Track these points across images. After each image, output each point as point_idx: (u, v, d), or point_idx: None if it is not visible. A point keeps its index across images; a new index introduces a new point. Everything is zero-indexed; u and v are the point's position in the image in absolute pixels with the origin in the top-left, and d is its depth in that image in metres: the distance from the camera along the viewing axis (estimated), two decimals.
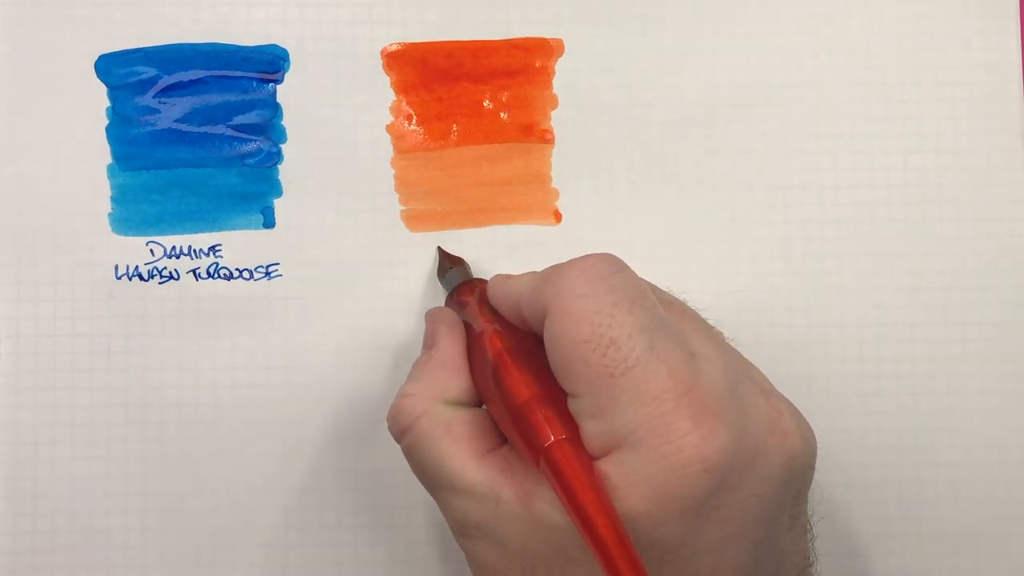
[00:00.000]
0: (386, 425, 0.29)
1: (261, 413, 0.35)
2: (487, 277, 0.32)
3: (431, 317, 0.32)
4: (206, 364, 0.35)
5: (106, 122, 0.36)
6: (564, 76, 0.36)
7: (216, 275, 0.35)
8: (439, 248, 0.35)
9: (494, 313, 0.30)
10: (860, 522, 0.36)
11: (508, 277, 0.30)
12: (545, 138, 0.36)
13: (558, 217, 0.36)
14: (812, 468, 0.28)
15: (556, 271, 0.27)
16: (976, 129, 0.37)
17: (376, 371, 0.35)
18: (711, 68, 0.37)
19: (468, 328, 0.31)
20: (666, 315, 0.27)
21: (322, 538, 0.35)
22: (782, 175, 0.36)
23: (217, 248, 0.36)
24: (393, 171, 0.36)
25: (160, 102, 0.36)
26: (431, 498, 0.29)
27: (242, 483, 0.35)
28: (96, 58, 0.36)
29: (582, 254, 0.27)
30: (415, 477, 0.29)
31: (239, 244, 0.36)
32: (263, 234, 0.36)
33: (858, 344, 0.36)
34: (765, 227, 0.36)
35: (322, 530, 0.35)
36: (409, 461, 0.29)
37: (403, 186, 0.36)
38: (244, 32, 0.36)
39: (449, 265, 0.35)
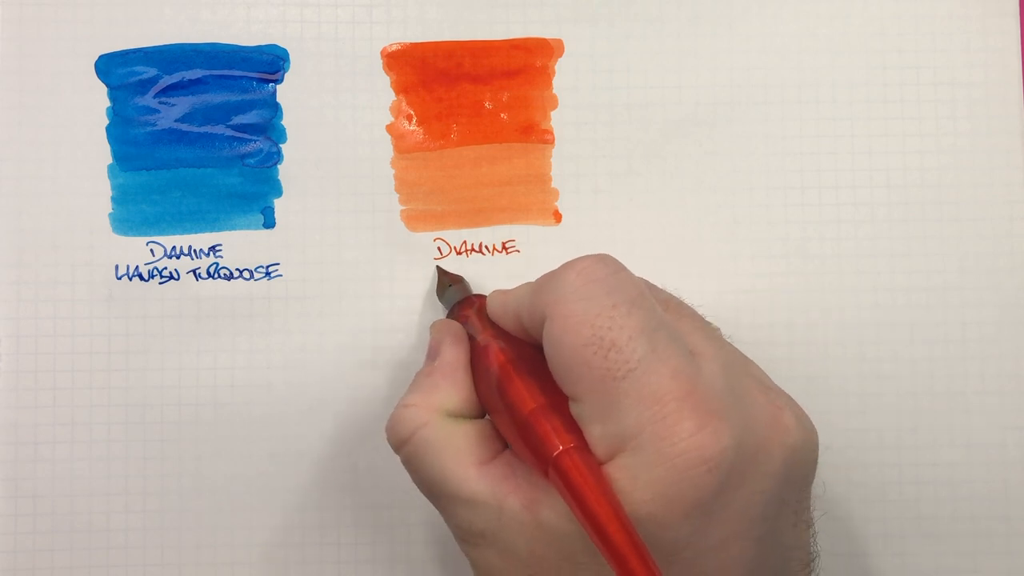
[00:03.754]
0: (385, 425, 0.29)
1: (261, 413, 0.35)
2: (488, 281, 0.32)
3: (435, 328, 0.32)
4: (206, 364, 0.35)
5: (106, 122, 0.36)
6: (564, 76, 0.36)
7: (216, 275, 0.35)
8: (438, 267, 0.35)
9: (495, 327, 0.30)
10: (860, 521, 0.36)
11: (505, 291, 0.30)
12: (545, 138, 0.36)
13: (558, 217, 0.36)
14: (815, 462, 0.28)
15: (552, 276, 0.27)
16: (976, 129, 0.37)
17: (376, 371, 0.35)
18: (711, 68, 0.37)
19: (471, 341, 0.31)
20: (664, 314, 0.26)
21: (322, 538, 0.35)
22: (782, 175, 0.36)
23: (217, 248, 0.36)
24: (393, 171, 0.36)
25: (160, 102, 0.36)
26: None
27: (242, 483, 0.35)
28: (96, 58, 0.36)
29: (582, 254, 0.27)
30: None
31: (239, 244, 0.36)
32: (263, 234, 0.36)
33: (858, 344, 0.36)
34: (765, 227, 0.36)
35: (322, 530, 0.35)
36: (409, 471, 0.29)
37: (403, 186, 0.36)
38: (244, 32, 0.36)
39: (448, 283, 0.35)
